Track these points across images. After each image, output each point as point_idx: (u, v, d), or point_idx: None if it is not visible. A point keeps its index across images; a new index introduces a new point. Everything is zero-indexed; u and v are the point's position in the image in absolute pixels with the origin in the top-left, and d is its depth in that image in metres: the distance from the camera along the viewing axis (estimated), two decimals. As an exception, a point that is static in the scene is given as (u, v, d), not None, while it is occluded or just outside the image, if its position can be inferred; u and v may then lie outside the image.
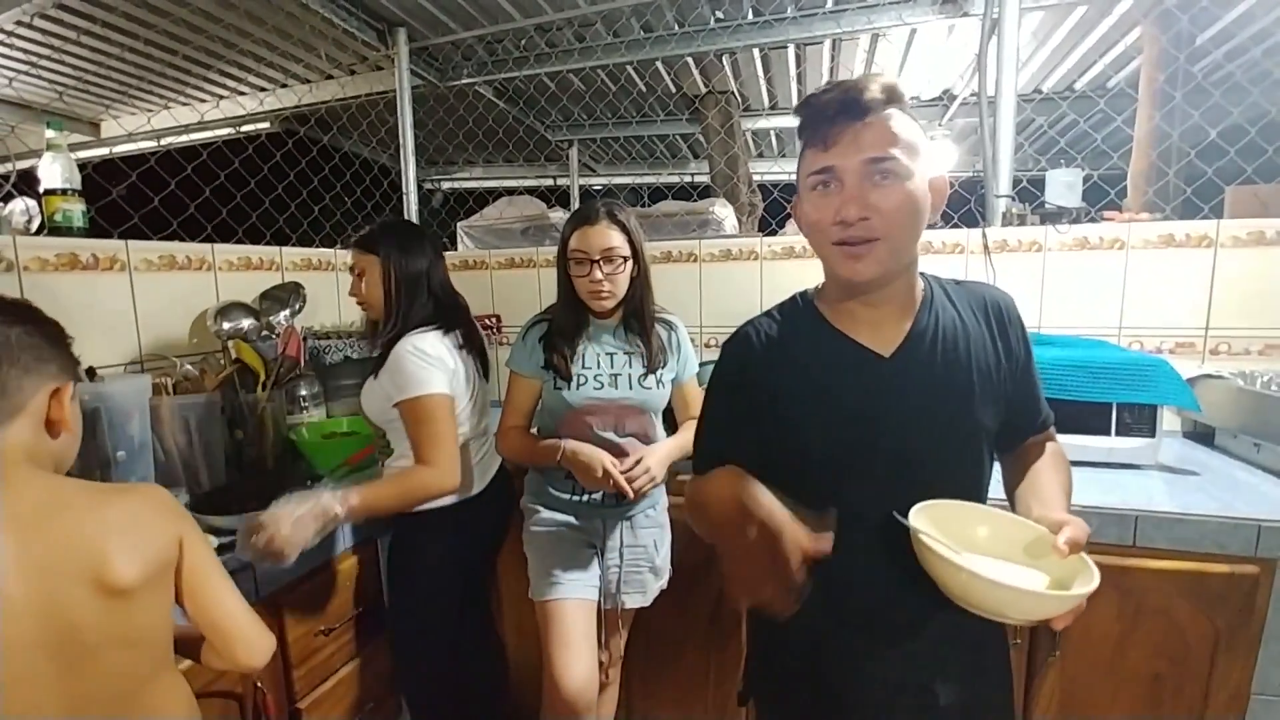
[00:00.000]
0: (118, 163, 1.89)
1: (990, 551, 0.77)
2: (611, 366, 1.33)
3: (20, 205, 1.37)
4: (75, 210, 1.39)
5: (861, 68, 2.80)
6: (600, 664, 1.37)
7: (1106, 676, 1.28)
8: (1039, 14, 2.32)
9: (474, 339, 1.44)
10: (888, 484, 0.80)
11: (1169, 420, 1.60)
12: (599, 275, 1.25)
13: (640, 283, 1.32)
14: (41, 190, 1.36)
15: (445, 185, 4.40)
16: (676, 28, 2.40)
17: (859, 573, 0.81)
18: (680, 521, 1.49)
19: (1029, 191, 1.95)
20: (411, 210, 2.53)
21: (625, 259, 1.27)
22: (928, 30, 2.38)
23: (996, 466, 0.93)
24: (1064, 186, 1.83)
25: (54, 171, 1.37)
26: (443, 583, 1.39)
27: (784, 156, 4.18)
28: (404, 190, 2.52)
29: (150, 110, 3.12)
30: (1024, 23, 2.27)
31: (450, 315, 1.39)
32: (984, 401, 0.82)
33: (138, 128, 3.14)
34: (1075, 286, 1.77)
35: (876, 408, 0.81)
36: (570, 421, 1.33)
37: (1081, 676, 1.28)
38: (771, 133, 3.76)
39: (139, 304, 1.49)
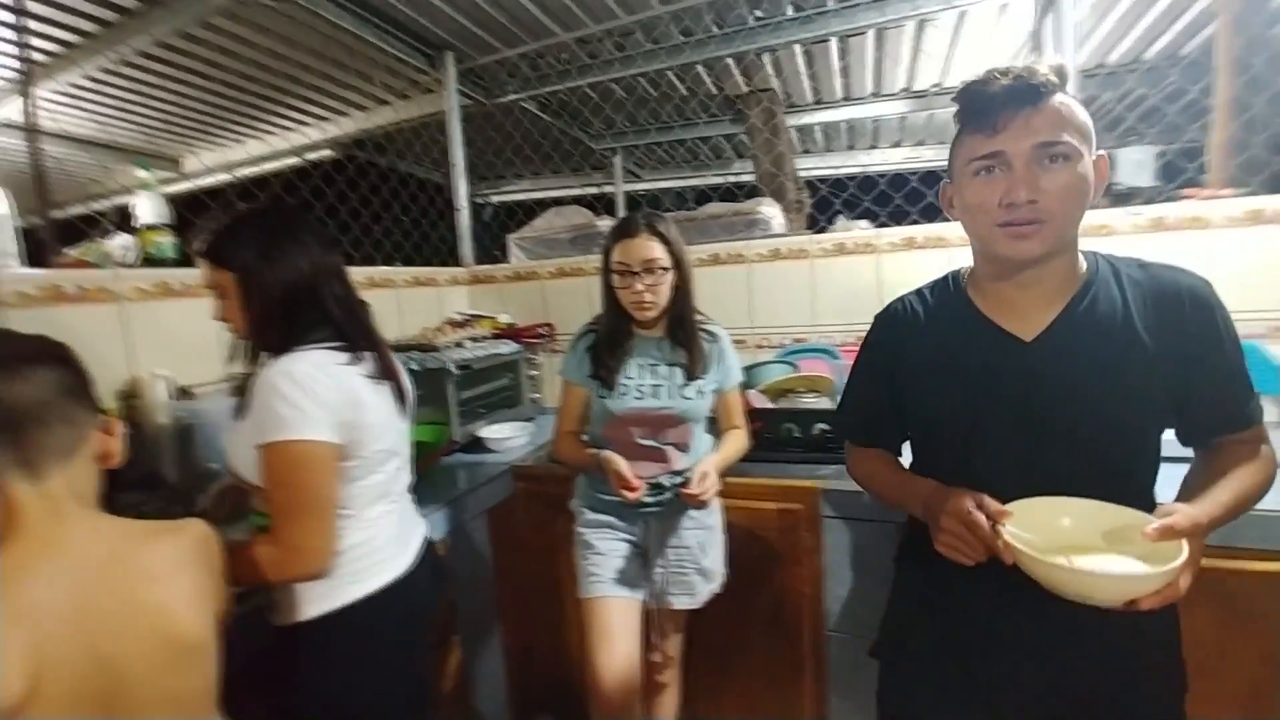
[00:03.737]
0: (200, 196, 2.04)
1: (1076, 539, 0.77)
2: (653, 377, 1.35)
3: (120, 240, 1.50)
4: (166, 243, 1.51)
5: (908, 56, 2.73)
6: (655, 665, 1.39)
7: (1208, 684, 1.20)
8: (1099, -15, 2.20)
9: (388, 363, 1.08)
10: (1019, 468, 0.81)
11: (1268, 411, 1.49)
12: (640, 286, 1.28)
13: (682, 293, 1.34)
14: (136, 225, 1.50)
15: (494, 199, 4.53)
16: (716, 30, 2.40)
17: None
18: (735, 525, 1.49)
19: (1095, 172, 1.85)
20: (464, 225, 2.63)
21: (666, 269, 1.29)
22: (978, 11, 2.30)
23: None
24: (1134, 165, 1.74)
25: (147, 208, 1.50)
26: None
27: (830, 151, 4.10)
28: (457, 206, 2.62)
29: (225, 145, 3.35)
30: (1083, -5, 2.16)
31: (352, 332, 1.03)
32: (1137, 392, 0.79)
33: (215, 162, 3.38)
34: (1151, 270, 1.68)
35: (1009, 392, 0.82)
36: (614, 429, 1.36)
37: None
38: (816, 128, 3.69)
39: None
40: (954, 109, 0.82)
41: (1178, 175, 1.82)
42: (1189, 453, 0.89)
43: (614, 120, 3.47)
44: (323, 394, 0.92)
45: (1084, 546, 0.76)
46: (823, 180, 2.92)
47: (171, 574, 0.70)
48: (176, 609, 0.69)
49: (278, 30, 2.21)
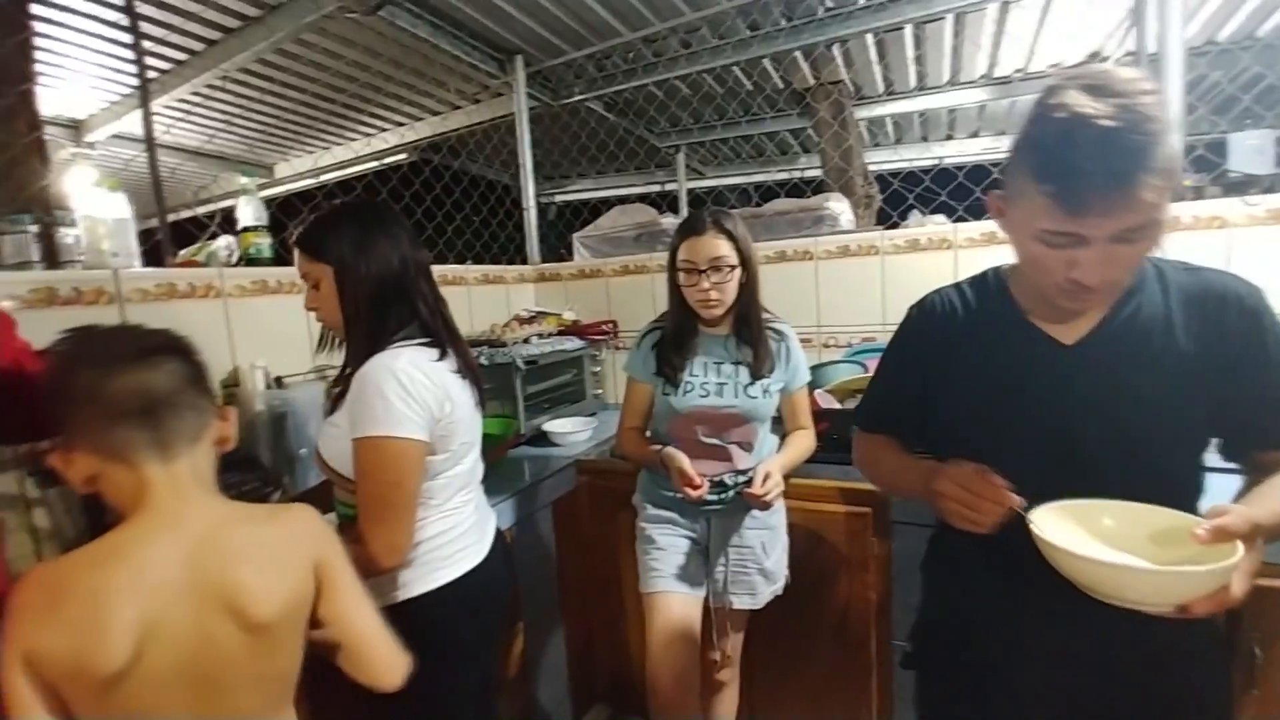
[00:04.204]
0: (291, 199, 2.19)
1: (1118, 542, 0.72)
2: (718, 375, 1.34)
3: (223, 241, 1.63)
4: (264, 243, 1.63)
5: (989, 41, 2.58)
6: (713, 663, 1.38)
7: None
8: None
9: (469, 360, 1.10)
10: (1052, 474, 0.76)
11: None
12: (706, 284, 1.27)
13: (749, 291, 1.32)
14: (238, 228, 1.62)
15: (559, 199, 4.62)
16: (784, 23, 2.35)
17: (1026, 549, 0.74)
18: (800, 527, 1.47)
19: (1206, 160, 1.70)
20: (532, 225, 2.70)
21: (733, 267, 1.28)
22: (1071, -11, 2.15)
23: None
24: (1251, 151, 1.59)
25: (248, 212, 1.62)
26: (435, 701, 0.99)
27: (901, 144, 3.94)
28: (524, 206, 2.69)
29: (313, 151, 3.57)
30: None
31: (438, 328, 1.06)
32: (1177, 401, 0.75)
33: (304, 168, 3.62)
34: (1272, 266, 1.52)
35: (1046, 396, 0.79)
36: (678, 426, 1.36)
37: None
38: (888, 120, 3.56)
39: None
40: (1025, 136, 0.72)
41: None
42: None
43: (679, 117, 3.47)
44: (420, 393, 0.95)
45: (1127, 550, 0.71)
46: (894, 174, 2.81)
47: (262, 557, 0.72)
48: (255, 592, 0.70)
49: (363, 43, 2.33)
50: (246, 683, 0.71)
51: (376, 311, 1.01)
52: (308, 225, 1.04)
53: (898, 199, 2.54)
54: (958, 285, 0.93)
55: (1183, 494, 0.78)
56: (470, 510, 1.11)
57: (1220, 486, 0.80)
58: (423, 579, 1.01)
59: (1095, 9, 2.33)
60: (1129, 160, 0.62)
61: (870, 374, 1.73)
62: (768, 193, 2.62)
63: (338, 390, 1.02)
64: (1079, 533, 0.72)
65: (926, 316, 0.93)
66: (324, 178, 3.63)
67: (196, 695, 0.68)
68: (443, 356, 1.03)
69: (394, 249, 1.03)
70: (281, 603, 0.72)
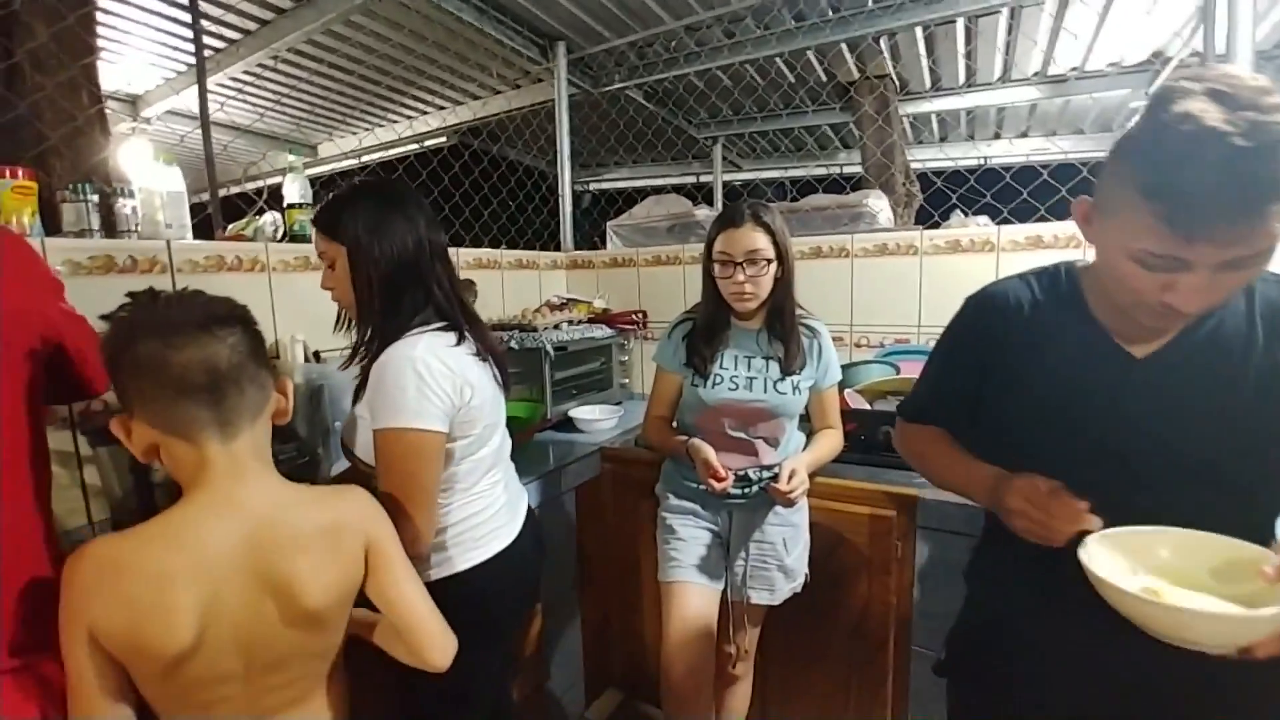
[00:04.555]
0: (335, 178, 2.24)
1: (1177, 575, 0.68)
2: (749, 369, 1.33)
3: (270, 218, 1.68)
4: (308, 220, 1.68)
5: (1046, 37, 2.49)
6: (729, 656, 1.39)
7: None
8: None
9: (489, 342, 1.09)
10: (1113, 491, 0.71)
11: None
12: (741, 277, 1.26)
13: (783, 285, 1.31)
14: (285, 205, 1.67)
15: (593, 186, 4.63)
16: (831, 13, 2.30)
17: (1074, 567, 0.71)
18: (822, 526, 1.46)
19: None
20: (566, 212, 2.71)
21: (769, 261, 1.27)
22: (1136, -15, 2.06)
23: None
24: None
25: (294, 189, 1.67)
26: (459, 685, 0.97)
27: (945, 141, 3.84)
28: (560, 193, 2.70)
29: (356, 132, 3.64)
30: (1272, -38, 1.88)
31: (453, 311, 1.04)
32: (1252, 421, 0.70)
33: (349, 149, 3.69)
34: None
35: (1111, 410, 0.75)
36: (705, 418, 1.36)
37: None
38: (933, 116, 3.46)
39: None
40: (1129, 148, 0.65)
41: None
42: None
43: (718, 108, 3.43)
44: (440, 382, 0.94)
45: (1187, 583, 0.67)
46: (938, 173, 2.74)
47: (317, 546, 0.73)
48: (308, 583, 0.71)
49: (409, 25, 2.36)
50: (294, 658, 0.74)
51: (391, 294, 0.99)
52: (325, 204, 1.04)
53: (940, 198, 2.48)
54: (1024, 278, 0.87)
55: (1257, 518, 0.73)
56: (500, 491, 1.11)
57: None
58: (452, 561, 1.03)
59: (1161, 7, 2.23)
60: (1260, 188, 0.56)
61: (902, 376, 1.71)
62: (805, 187, 2.59)
63: (359, 380, 1.00)
64: (1133, 564, 0.69)
65: (988, 308, 0.87)
66: (366, 158, 3.69)
67: (248, 668, 0.71)
68: (460, 341, 1.01)
69: (410, 230, 1.00)
70: (333, 591, 0.74)
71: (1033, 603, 0.83)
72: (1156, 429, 0.73)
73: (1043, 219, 1.81)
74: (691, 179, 4.32)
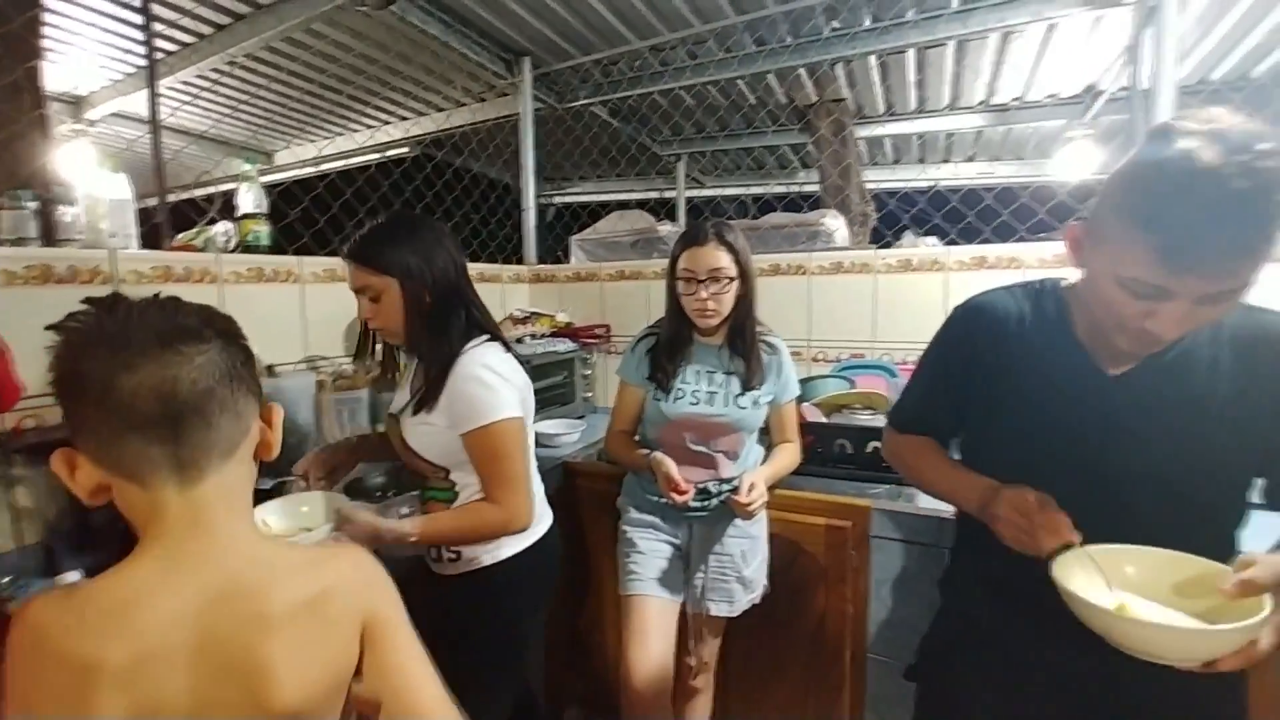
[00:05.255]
0: (290, 188, 2.20)
1: (1142, 591, 0.72)
2: (710, 384, 1.36)
3: (222, 227, 1.63)
4: (263, 231, 1.64)
5: (990, 69, 2.63)
6: (689, 668, 1.40)
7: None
8: (1206, -2, 2.07)
9: (516, 351, 1.21)
10: (1083, 501, 0.74)
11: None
12: (704, 295, 1.29)
13: (745, 303, 1.34)
14: (238, 215, 1.62)
15: (557, 200, 4.64)
16: (790, 40, 2.39)
17: (1045, 579, 0.73)
18: (780, 538, 1.48)
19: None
20: (530, 226, 2.71)
21: (731, 279, 1.30)
22: (1069, 23, 2.20)
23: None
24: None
25: (248, 199, 1.63)
26: (519, 640, 1.20)
27: (899, 164, 4.00)
28: (523, 207, 2.70)
29: (315, 140, 3.57)
30: (1190, 6, 2.03)
31: (494, 326, 1.18)
32: (1215, 443, 0.74)
33: (306, 157, 3.61)
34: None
35: (1083, 426, 0.79)
36: (667, 432, 1.38)
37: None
38: (886, 140, 3.61)
39: (308, 311, 1.72)
40: (1114, 181, 0.69)
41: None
42: None
43: (681, 127, 3.50)
44: (511, 377, 1.10)
45: (1152, 599, 0.71)
46: (891, 194, 2.86)
47: (290, 621, 0.57)
48: (282, 674, 0.55)
49: (372, 36, 2.34)
50: None
51: (442, 316, 1.10)
52: (365, 239, 1.09)
53: (892, 219, 2.59)
54: (1010, 290, 0.89)
55: (1221, 532, 0.78)
56: (539, 480, 1.24)
57: (1272, 525, 0.79)
58: (520, 537, 1.16)
59: (1093, 45, 2.39)
60: (1252, 229, 0.59)
61: (858, 390, 1.76)
62: (765, 205, 2.66)
63: (420, 391, 1.10)
64: (1102, 579, 0.72)
65: (977, 319, 0.90)
66: (324, 167, 3.62)
67: None
68: (508, 349, 1.16)
69: (449, 257, 1.12)
70: (318, 683, 0.58)
71: (1003, 613, 0.87)
72: (1127, 445, 0.77)
73: (987, 240, 1.90)
74: (655, 194, 4.37)
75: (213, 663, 0.54)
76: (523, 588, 1.18)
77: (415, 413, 1.11)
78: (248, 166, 1.64)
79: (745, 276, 1.33)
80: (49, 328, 0.56)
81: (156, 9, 2.07)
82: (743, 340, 1.37)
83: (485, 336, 1.13)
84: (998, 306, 0.88)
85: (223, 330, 0.59)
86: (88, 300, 0.56)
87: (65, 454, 0.56)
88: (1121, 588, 0.72)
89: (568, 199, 4.64)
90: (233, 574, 0.57)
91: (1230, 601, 0.64)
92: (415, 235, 1.09)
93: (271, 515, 1.01)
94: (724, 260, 1.29)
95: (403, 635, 0.66)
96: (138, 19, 2.01)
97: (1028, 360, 0.84)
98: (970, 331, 0.91)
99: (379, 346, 1.22)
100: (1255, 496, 0.81)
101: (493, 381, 1.06)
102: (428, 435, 1.11)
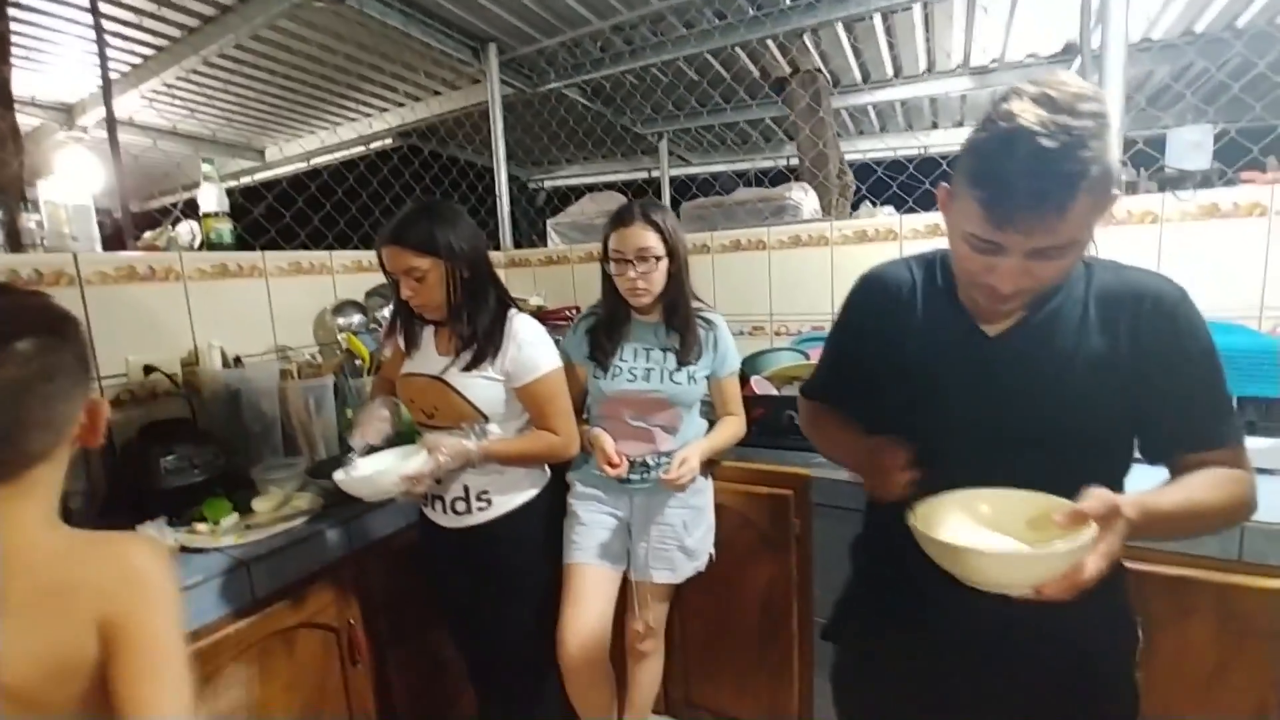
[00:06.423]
0: (284, 184, 2.28)
1: (996, 527, 0.75)
2: (646, 361, 1.40)
3: (186, 227, 1.71)
4: (225, 228, 1.70)
5: (961, 32, 2.57)
6: (636, 633, 1.46)
7: (1203, 707, 1.14)
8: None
9: None
10: (971, 459, 0.78)
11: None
12: (633, 274, 1.33)
13: (677, 280, 1.37)
14: (200, 213, 1.69)
15: (547, 184, 4.66)
16: (751, 12, 2.36)
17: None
18: (728, 509, 1.53)
19: (1146, 154, 1.71)
20: (504, 210, 2.75)
21: (659, 258, 1.33)
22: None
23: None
24: (1189, 146, 1.60)
25: (210, 198, 1.69)
26: (546, 567, 1.41)
27: (885, 131, 3.92)
28: (497, 192, 2.74)
29: (300, 136, 3.63)
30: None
31: (509, 294, 1.34)
32: (1089, 398, 0.77)
33: (292, 152, 3.68)
34: (1201, 263, 1.54)
35: (969, 384, 0.82)
36: (607, 408, 1.43)
37: (1175, 706, 1.15)
38: (870, 109, 3.55)
39: (274, 304, 1.79)
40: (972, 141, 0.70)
41: (1242, 156, 1.65)
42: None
43: (662, 104, 3.48)
44: (548, 335, 1.30)
45: (1006, 535, 0.74)
46: (878, 163, 2.81)
47: (24, 609, 0.58)
48: (3, 650, 0.56)
49: (338, 30, 2.38)
50: None
51: (479, 291, 1.25)
52: (403, 224, 1.20)
53: (881, 186, 2.55)
54: (907, 261, 0.94)
55: (1106, 484, 0.77)
56: None
57: (1157, 477, 0.79)
58: (537, 475, 1.38)
59: (1057, 3, 2.32)
60: (1058, 185, 0.62)
61: (810, 362, 1.78)
62: (756, 181, 2.64)
63: (473, 352, 1.25)
64: (961, 521, 0.75)
65: (870, 289, 0.94)
66: (314, 161, 3.69)
67: None
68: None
69: (476, 234, 1.27)
70: (34, 671, 0.58)
71: (888, 573, 0.91)
72: (1009, 403, 0.80)
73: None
74: (643, 174, 4.36)
75: None
76: (545, 526, 1.39)
77: (468, 369, 1.26)
78: (207, 167, 1.70)
79: (674, 254, 1.36)
80: None
81: (120, 13, 2.14)
82: (678, 317, 1.40)
83: (510, 307, 1.31)
84: (889, 276, 0.92)
85: (46, 324, 0.60)
86: None
87: None
88: (982, 525, 0.75)
89: (556, 182, 4.65)
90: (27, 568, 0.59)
91: (1066, 531, 0.66)
92: (447, 218, 1.22)
93: (390, 458, 1.28)
94: (650, 240, 1.32)
95: (147, 650, 0.62)
96: (111, 26, 2.08)
97: (916, 326, 0.87)
98: (864, 301, 0.95)
99: (411, 321, 1.33)
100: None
101: (540, 339, 1.27)
102: (487, 388, 1.27)
